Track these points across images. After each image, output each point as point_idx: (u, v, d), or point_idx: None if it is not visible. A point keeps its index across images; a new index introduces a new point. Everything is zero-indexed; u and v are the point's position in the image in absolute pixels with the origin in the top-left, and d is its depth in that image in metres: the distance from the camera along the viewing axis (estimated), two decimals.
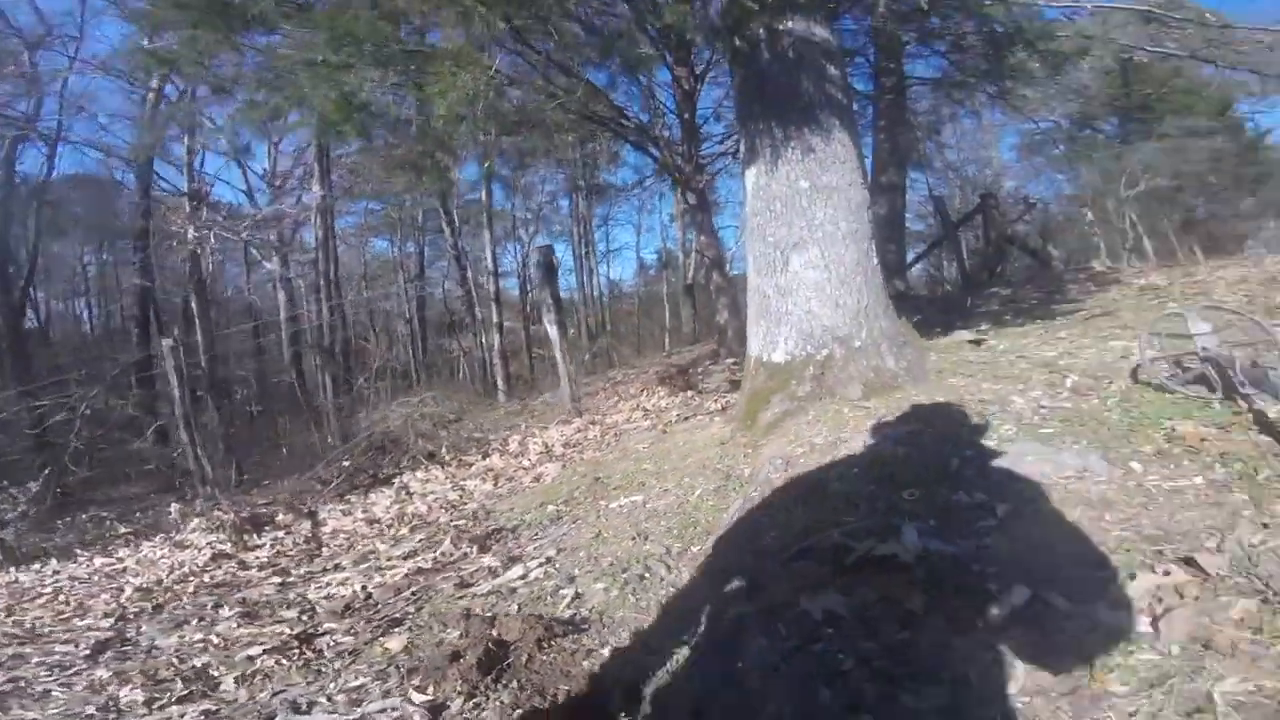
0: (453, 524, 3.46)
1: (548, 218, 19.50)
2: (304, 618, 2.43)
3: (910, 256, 9.72)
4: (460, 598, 2.31)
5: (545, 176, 17.00)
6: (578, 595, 2.09)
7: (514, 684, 1.59)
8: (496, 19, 2.59)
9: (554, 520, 3.07)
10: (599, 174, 16.40)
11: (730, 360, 7.18)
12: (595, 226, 20.65)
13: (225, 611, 2.67)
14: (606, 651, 1.71)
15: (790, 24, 3.17)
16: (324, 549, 3.69)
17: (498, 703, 1.55)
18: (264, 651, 2.09)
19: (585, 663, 1.67)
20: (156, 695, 1.87)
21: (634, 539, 2.40)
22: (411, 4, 2.46)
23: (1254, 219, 9.57)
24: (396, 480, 5.42)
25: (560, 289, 7.39)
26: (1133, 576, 1.27)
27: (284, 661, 2.01)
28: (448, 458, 6.03)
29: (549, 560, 2.49)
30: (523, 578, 2.39)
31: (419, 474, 5.54)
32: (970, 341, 3.72)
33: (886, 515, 1.65)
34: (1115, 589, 1.24)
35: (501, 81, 2.93)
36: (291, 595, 2.79)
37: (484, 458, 5.68)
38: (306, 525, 4.25)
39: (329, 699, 1.73)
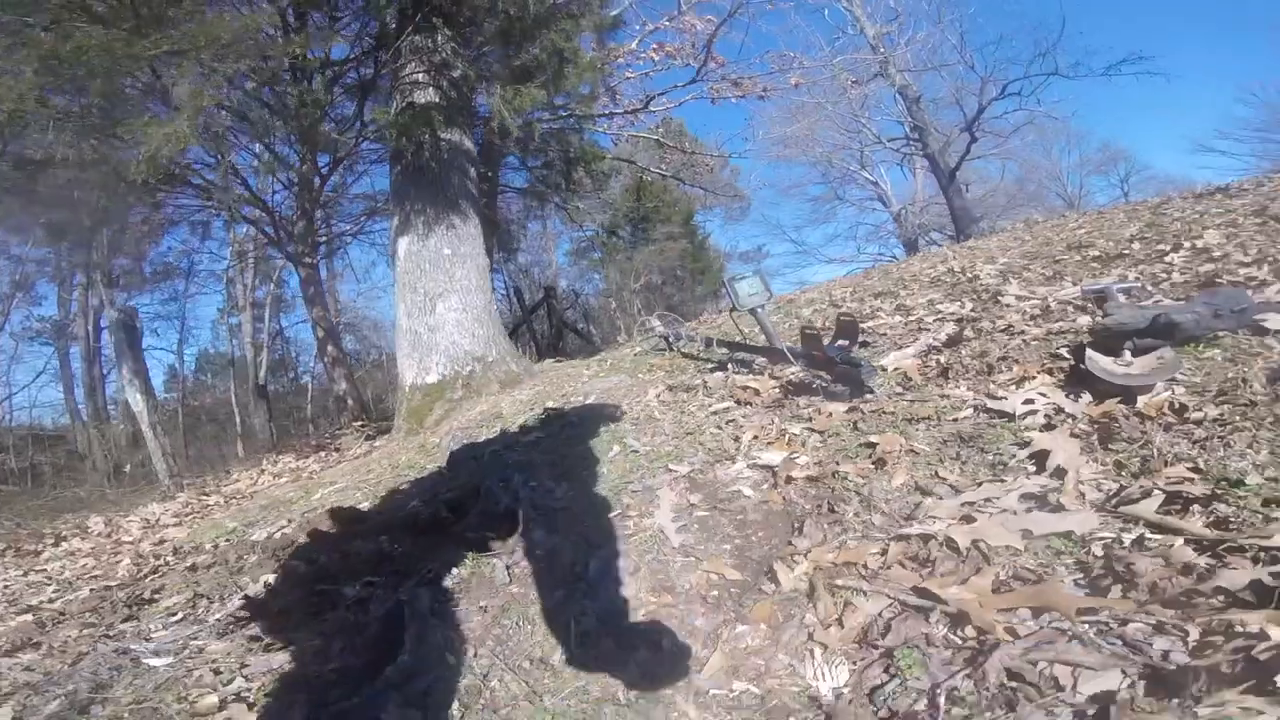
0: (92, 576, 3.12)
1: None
2: None
3: None
4: (204, 569, 2.43)
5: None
6: (354, 509, 2.64)
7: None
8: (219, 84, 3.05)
9: (248, 526, 3.14)
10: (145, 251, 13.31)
11: (358, 422, 7.55)
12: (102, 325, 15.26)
13: None
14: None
15: (450, 135, 4.53)
16: None
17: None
18: None
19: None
20: None
21: (373, 485, 3.06)
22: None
23: (703, 301, 15.45)
24: None
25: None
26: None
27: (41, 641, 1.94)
28: None
29: (290, 522, 2.83)
30: (269, 535, 2.67)
31: None
32: (554, 360, 5.62)
33: (540, 417, 3.06)
34: (642, 401, 2.92)
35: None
36: None
37: (56, 543, 4.78)
38: None
39: (164, 625, 1.85)
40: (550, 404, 3.23)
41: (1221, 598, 0.82)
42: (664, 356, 3.99)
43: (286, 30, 3.71)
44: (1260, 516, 0.97)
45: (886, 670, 0.89)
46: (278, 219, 6.32)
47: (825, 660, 0.94)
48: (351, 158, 6.39)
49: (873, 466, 1.57)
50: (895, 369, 2.31)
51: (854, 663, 0.92)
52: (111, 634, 1.99)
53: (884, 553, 1.18)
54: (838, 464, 1.63)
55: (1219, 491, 1.06)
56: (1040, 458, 1.42)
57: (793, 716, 0.88)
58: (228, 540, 2.98)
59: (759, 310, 2.60)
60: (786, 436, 1.90)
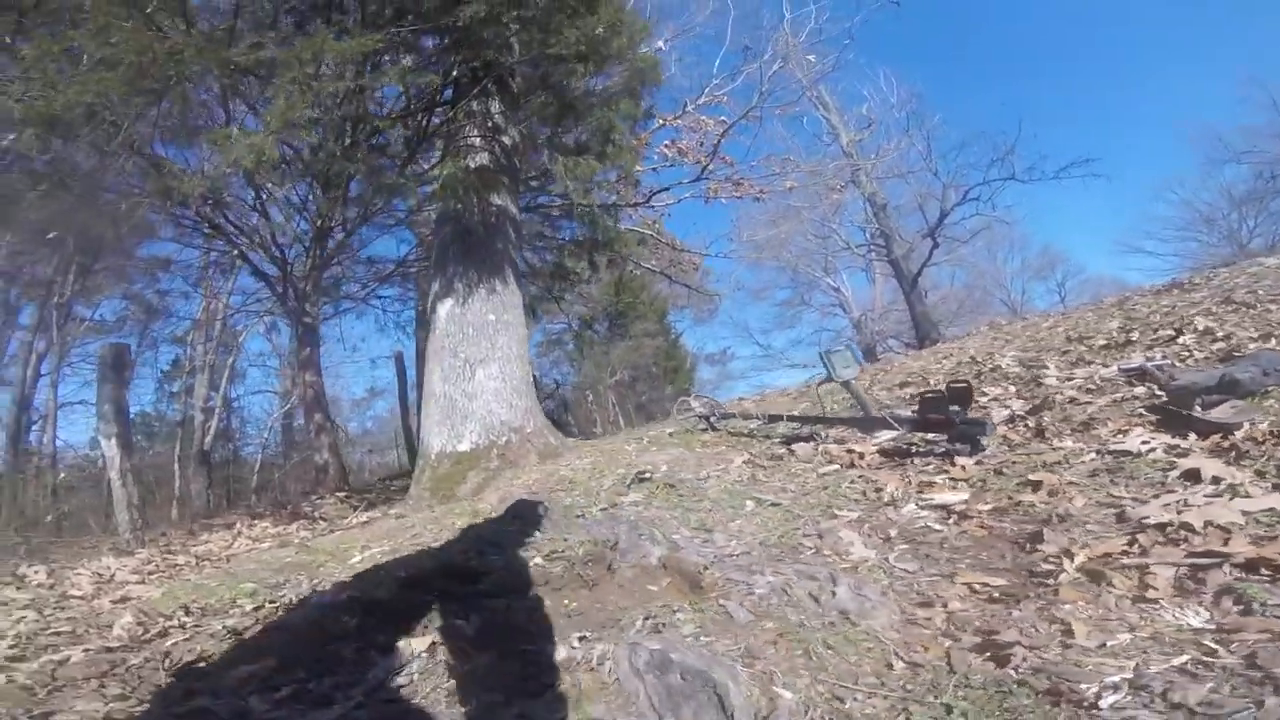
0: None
1: None
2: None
3: None
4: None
5: None
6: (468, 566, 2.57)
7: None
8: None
9: (274, 589, 2.97)
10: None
11: (341, 493, 7.15)
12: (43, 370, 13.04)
13: None
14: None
15: (499, 199, 4.74)
16: None
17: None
18: None
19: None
20: None
21: (434, 544, 2.99)
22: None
23: (672, 400, 15.79)
24: None
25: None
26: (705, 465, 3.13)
27: None
28: None
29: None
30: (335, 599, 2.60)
31: None
32: (578, 439, 5.65)
33: (630, 483, 3.13)
34: (730, 470, 3.06)
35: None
36: None
37: None
38: None
39: (262, 701, 1.61)
40: (633, 469, 3.29)
41: None
42: (711, 435, 4.17)
43: (369, 65, 3.92)
44: None
45: (1236, 601, 1.08)
46: (289, 271, 6.20)
47: (1173, 605, 1.12)
48: (378, 215, 6.38)
49: (1048, 496, 1.80)
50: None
51: (1197, 606, 1.11)
52: (178, 712, 1.50)
53: (1132, 543, 1.38)
54: (1014, 498, 1.85)
55: None
56: (1191, 474, 1.70)
57: (1187, 643, 1.04)
58: (271, 604, 2.72)
59: (852, 381, 2.88)
60: (944, 482, 2.11)
